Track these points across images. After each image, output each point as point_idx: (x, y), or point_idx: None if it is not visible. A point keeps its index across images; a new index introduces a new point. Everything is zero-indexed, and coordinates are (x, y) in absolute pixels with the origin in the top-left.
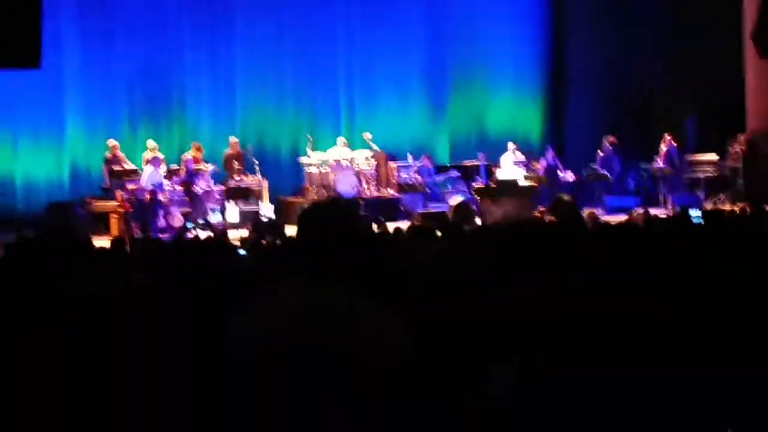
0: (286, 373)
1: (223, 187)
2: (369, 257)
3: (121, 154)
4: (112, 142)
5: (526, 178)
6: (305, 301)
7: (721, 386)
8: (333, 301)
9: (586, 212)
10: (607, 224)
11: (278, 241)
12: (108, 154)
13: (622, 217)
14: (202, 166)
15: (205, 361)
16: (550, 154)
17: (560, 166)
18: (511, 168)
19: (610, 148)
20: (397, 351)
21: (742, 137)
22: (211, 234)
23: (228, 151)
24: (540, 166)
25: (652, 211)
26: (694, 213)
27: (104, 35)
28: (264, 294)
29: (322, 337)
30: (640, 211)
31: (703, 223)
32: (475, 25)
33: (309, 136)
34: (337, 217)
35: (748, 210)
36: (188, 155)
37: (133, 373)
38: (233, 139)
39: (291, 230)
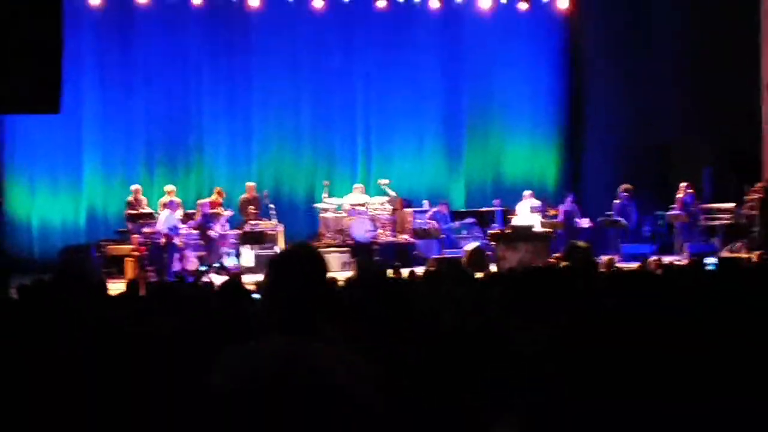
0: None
1: (238, 232)
2: (336, 303)
3: (143, 199)
4: (134, 186)
5: (542, 224)
6: (280, 349)
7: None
8: (311, 355)
9: (605, 259)
10: (621, 270)
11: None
12: (131, 198)
13: (637, 264)
14: (219, 210)
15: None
16: (569, 201)
17: (578, 213)
18: (527, 214)
19: (626, 195)
20: (368, 397)
21: (758, 185)
22: (227, 278)
23: (244, 195)
24: (559, 212)
25: (668, 259)
26: (710, 260)
27: (123, 81)
28: (244, 344)
29: (296, 384)
30: (655, 258)
31: (717, 270)
32: (491, 71)
33: (325, 182)
34: (305, 266)
35: (765, 258)
36: (206, 200)
37: (139, 415)
38: (250, 184)
39: None
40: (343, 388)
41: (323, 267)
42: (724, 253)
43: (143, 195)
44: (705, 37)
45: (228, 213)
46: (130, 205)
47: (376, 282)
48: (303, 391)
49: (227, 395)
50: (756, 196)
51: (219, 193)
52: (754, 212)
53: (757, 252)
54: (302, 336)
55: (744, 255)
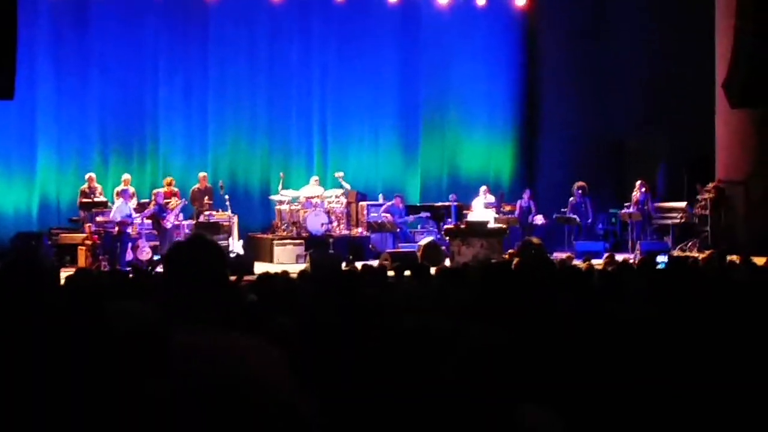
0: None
1: (192, 222)
2: (231, 294)
3: (97, 187)
4: (89, 174)
5: (496, 220)
6: (199, 347)
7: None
8: (226, 345)
9: (564, 256)
10: (573, 267)
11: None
12: (84, 186)
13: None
14: (173, 200)
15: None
16: (526, 197)
17: (533, 209)
18: (481, 210)
19: (580, 192)
20: (285, 389)
21: (711, 185)
22: None
23: (196, 186)
24: (516, 208)
25: (620, 257)
26: (661, 259)
27: (79, 68)
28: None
29: (219, 383)
30: (606, 255)
31: (667, 268)
32: (449, 66)
33: (281, 174)
34: (206, 256)
35: (713, 258)
36: (160, 189)
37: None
38: (202, 174)
39: (260, 267)
40: (257, 377)
41: (221, 257)
42: (676, 252)
43: (98, 183)
44: (662, 35)
45: (181, 202)
46: (84, 193)
47: (330, 275)
48: (217, 384)
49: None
50: (708, 195)
51: (169, 184)
52: (705, 212)
53: (707, 251)
54: (208, 327)
55: (695, 254)
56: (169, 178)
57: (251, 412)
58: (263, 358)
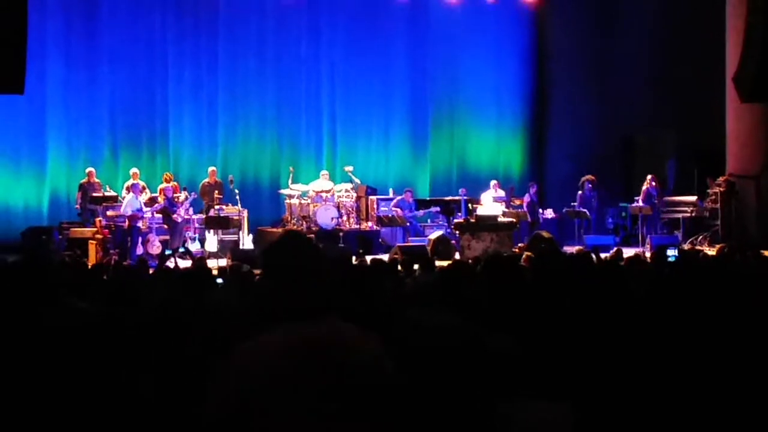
0: (292, 410)
1: (202, 216)
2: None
3: (97, 181)
4: (88, 169)
5: (504, 214)
6: (302, 337)
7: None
8: (335, 335)
9: (575, 250)
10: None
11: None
12: (83, 181)
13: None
14: (182, 195)
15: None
16: (533, 191)
17: (537, 203)
18: (490, 204)
19: (590, 186)
20: (389, 371)
21: (721, 179)
22: (191, 262)
23: (206, 180)
24: (523, 202)
25: (631, 251)
26: (671, 252)
27: (88, 63)
28: (255, 335)
29: (326, 371)
30: (614, 249)
31: (677, 261)
32: (458, 61)
33: (291, 168)
34: (304, 250)
35: (725, 251)
36: (165, 185)
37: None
38: (212, 168)
39: None
40: (374, 365)
41: (319, 250)
42: (686, 246)
43: (106, 177)
44: (672, 29)
45: (191, 195)
46: (82, 187)
47: (341, 269)
48: (340, 373)
49: (246, 395)
50: (719, 189)
51: (167, 180)
52: (716, 206)
53: (718, 245)
54: (322, 319)
55: (705, 248)
56: (167, 174)
57: (370, 398)
58: (376, 348)
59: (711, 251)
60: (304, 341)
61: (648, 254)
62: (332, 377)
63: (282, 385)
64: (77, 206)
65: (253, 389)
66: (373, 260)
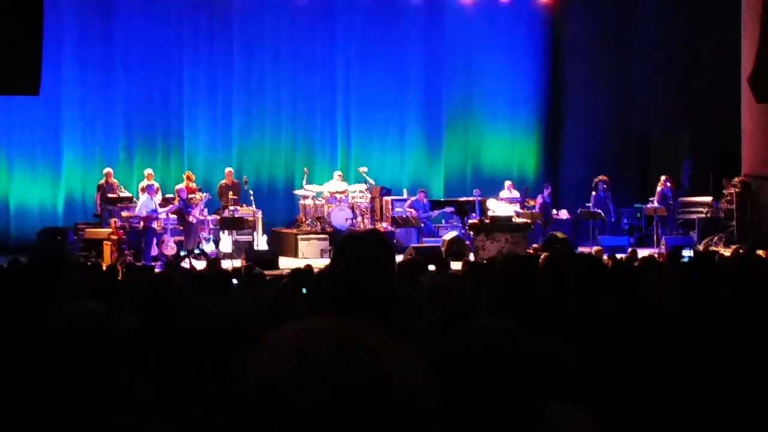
0: (310, 416)
1: (217, 217)
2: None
3: (114, 182)
4: (106, 169)
5: (518, 215)
6: (337, 340)
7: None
8: (365, 341)
9: (593, 251)
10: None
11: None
12: (102, 182)
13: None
14: (197, 195)
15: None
16: (547, 192)
17: (551, 204)
18: (503, 205)
19: (604, 187)
20: (425, 395)
21: (737, 180)
22: (206, 263)
23: (223, 181)
24: (536, 203)
25: (645, 251)
26: (686, 253)
27: (104, 64)
28: (289, 328)
29: (352, 379)
30: (630, 250)
31: (692, 262)
32: (472, 62)
33: (305, 169)
34: (377, 250)
35: (741, 252)
36: (182, 185)
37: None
38: (229, 169)
39: (284, 261)
40: (396, 378)
41: (392, 259)
42: (701, 247)
43: (120, 179)
44: (687, 30)
45: (205, 197)
46: (101, 188)
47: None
48: (355, 375)
49: (268, 382)
50: (734, 190)
51: (189, 178)
52: (731, 206)
53: (734, 246)
54: (357, 318)
55: (721, 249)
56: (188, 172)
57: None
58: (408, 362)
59: (726, 252)
60: (331, 341)
61: (660, 255)
62: (349, 385)
63: (295, 381)
64: (97, 208)
65: (271, 382)
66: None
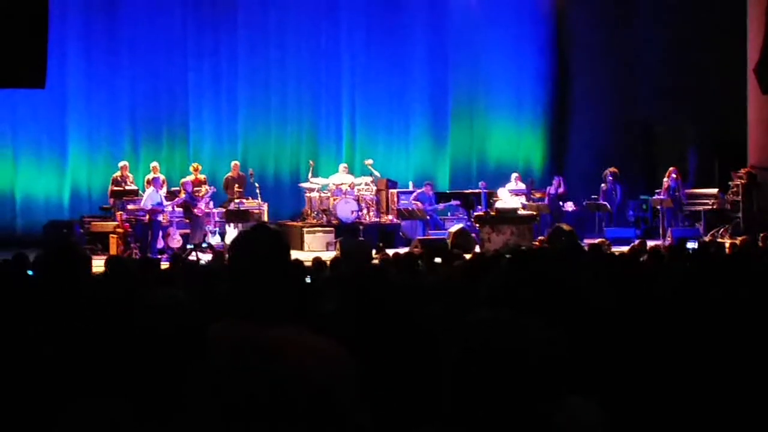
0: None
1: (223, 210)
2: (297, 287)
3: (129, 176)
4: (122, 163)
5: (525, 207)
6: (241, 340)
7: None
8: (270, 339)
9: (597, 242)
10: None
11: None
12: (117, 174)
13: (623, 248)
14: (203, 188)
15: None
16: (556, 183)
17: (564, 196)
18: (509, 197)
19: (611, 179)
20: (340, 388)
21: (742, 171)
22: (212, 256)
23: (229, 174)
24: (545, 195)
25: (652, 243)
26: (692, 245)
27: (109, 56)
28: (207, 332)
29: (258, 378)
30: (638, 242)
31: (696, 253)
32: (477, 53)
33: (310, 161)
34: (268, 247)
35: (747, 243)
36: (187, 178)
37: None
38: (235, 162)
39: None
40: (312, 378)
41: (286, 250)
42: (708, 238)
43: (130, 173)
44: (692, 20)
45: (210, 189)
46: (116, 181)
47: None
48: (266, 380)
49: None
50: (740, 181)
51: (196, 170)
52: (737, 198)
53: (740, 237)
54: (266, 321)
55: (726, 240)
56: (195, 164)
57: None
58: (324, 360)
59: (730, 243)
60: (239, 341)
61: (665, 247)
62: (257, 385)
63: (208, 384)
64: (110, 200)
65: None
66: (393, 254)
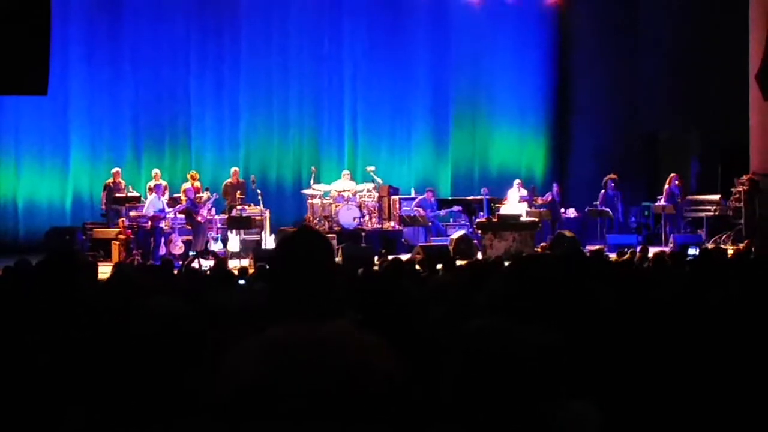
0: (280, 413)
1: (225, 216)
2: (343, 287)
3: (122, 182)
4: (114, 169)
5: (528, 213)
6: (295, 336)
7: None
8: (326, 335)
9: (596, 249)
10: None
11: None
12: (109, 181)
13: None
14: (205, 195)
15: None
16: (555, 190)
17: (559, 203)
18: (514, 203)
19: (612, 185)
20: (389, 378)
21: (745, 178)
22: (213, 263)
23: (228, 180)
24: (545, 201)
25: (654, 250)
26: (693, 251)
27: (111, 63)
28: (251, 332)
29: (316, 372)
30: (639, 248)
31: (697, 259)
32: (480, 60)
33: (312, 168)
34: (314, 248)
35: (749, 249)
36: (187, 185)
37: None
38: (234, 169)
39: None
40: (376, 373)
41: (331, 248)
42: (710, 245)
43: (128, 178)
44: (694, 25)
45: (212, 196)
46: (108, 187)
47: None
48: (337, 378)
49: (241, 395)
50: (742, 188)
51: (193, 178)
52: (739, 204)
53: (742, 243)
54: (319, 318)
55: (729, 247)
56: (193, 172)
57: (367, 407)
58: (381, 355)
59: (732, 249)
60: (296, 341)
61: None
62: (321, 381)
63: (267, 385)
64: (102, 207)
65: (241, 389)
66: (395, 260)
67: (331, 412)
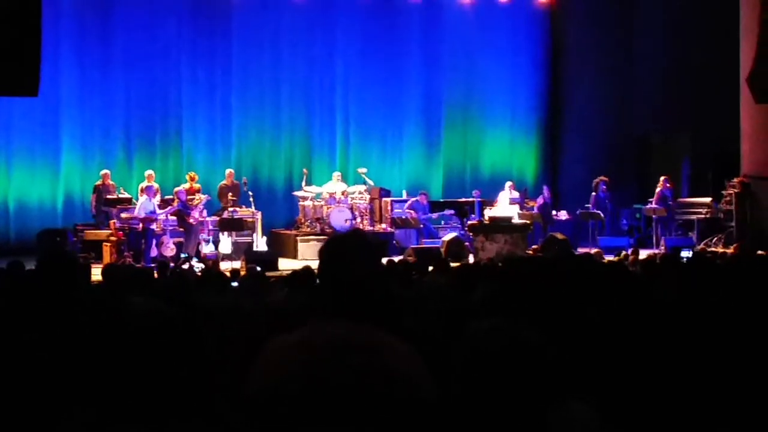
0: (318, 415)
1: (216, 218)
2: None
3: (111, 183)
4: (104, 171)
5: (520, 216)
6: (336, 339)
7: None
8: (364, 339)
9: (592, 252)
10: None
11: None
12: (98, 183)
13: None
14: (197, 197)
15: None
16: (546, 193)
17: (550, 205)
18: (505, 206)
19: (604, 187)
20: (426, 387)
21: (736, 180)
22: (204, 265)
23: (223, 182)
24: (536, 204)
25: (645, 252)
26: (685, 254)
27: (102, 64)
28: (291, 333)
29: (356, 376)
30: (631, 251)
31: (689, 262)
32: (471, 63)
33: (304, 170)
34: (362, 251)
35: (739, 252)
36: (182, 187)
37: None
38: (229, 170)
39: (283, 263)
40: (412, 379)
41: (380, 252)
42: (701, 247)
43: (119, 179)
44: (686, 29)
45: (204, 198)
46: (97, 189)
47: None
48: (370, 377)
49: (275, 391)
50: (733, 190)
51: (192, 179)
52: (730, 207)
53: (733, 246)
54: (358, 321)
55: (720, 249)
56: (192, 173)
57: (401, 411)
58: (416, 361)
59: (723, 251)
60: (330, 340)
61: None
62: (353, 382)
63: (299, 384)
64: (92, 209)
65: (274, 386)
66: (387, 262)
67: (366, 417)
